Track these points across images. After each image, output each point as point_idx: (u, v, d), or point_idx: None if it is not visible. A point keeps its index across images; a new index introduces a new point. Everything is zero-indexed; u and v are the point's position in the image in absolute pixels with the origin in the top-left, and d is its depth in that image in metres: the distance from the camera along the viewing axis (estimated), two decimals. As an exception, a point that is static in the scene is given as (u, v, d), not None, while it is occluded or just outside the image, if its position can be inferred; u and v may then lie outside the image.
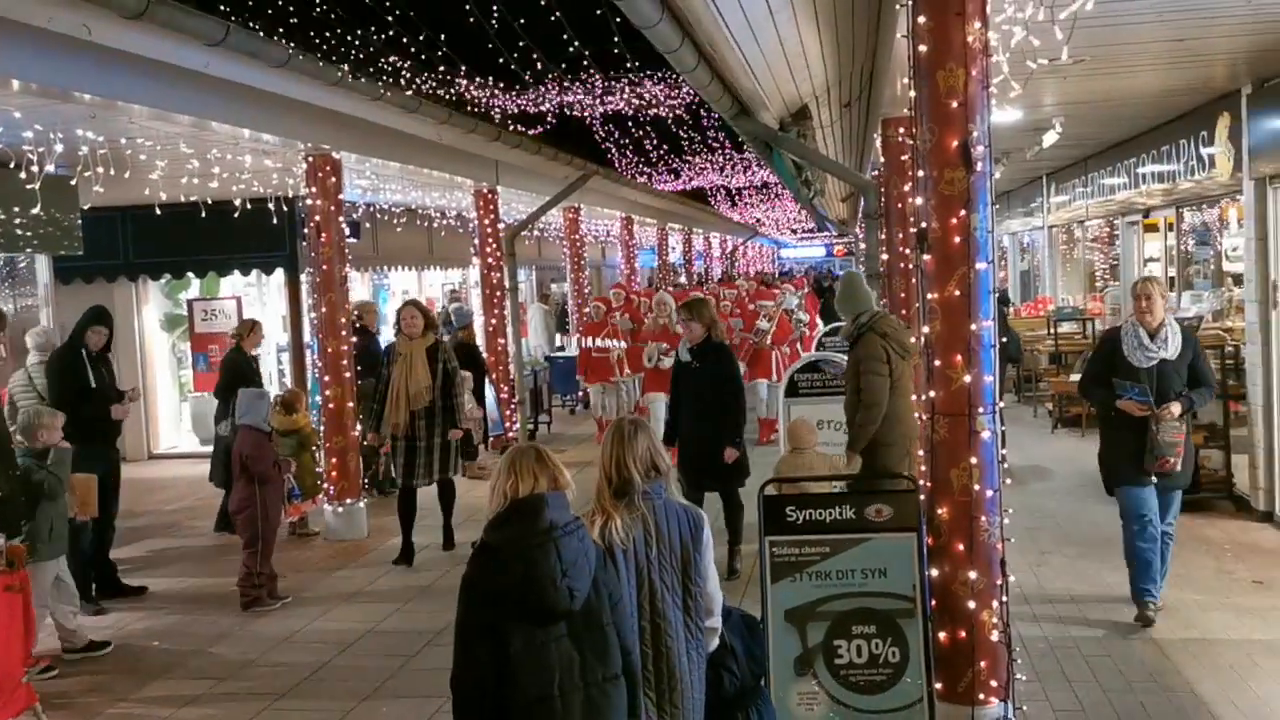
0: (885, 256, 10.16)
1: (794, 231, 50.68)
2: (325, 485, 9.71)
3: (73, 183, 10.03)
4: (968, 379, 4.62)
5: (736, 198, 29.89)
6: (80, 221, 10.64)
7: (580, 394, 16.24)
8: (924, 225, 4.74)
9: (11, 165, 8.13)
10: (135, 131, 8.02)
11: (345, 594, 7.99)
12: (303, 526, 9.83)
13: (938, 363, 4.70)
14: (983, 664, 4.65)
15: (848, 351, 7.31)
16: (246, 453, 7.64)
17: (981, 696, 4.64)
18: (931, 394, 4.74)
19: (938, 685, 4.65)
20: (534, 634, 3.03)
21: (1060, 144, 12.07)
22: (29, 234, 9.77)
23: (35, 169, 7.69)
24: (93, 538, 7.81)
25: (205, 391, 13.06)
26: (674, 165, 21.14)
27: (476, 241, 14.28)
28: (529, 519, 3.06)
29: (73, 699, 6.06)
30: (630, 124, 16.82)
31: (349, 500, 9.74)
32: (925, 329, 4.77)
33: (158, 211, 10.30)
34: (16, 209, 9.47)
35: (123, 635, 7.25)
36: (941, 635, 4.69)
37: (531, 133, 14.26)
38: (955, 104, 4.56)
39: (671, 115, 15.71)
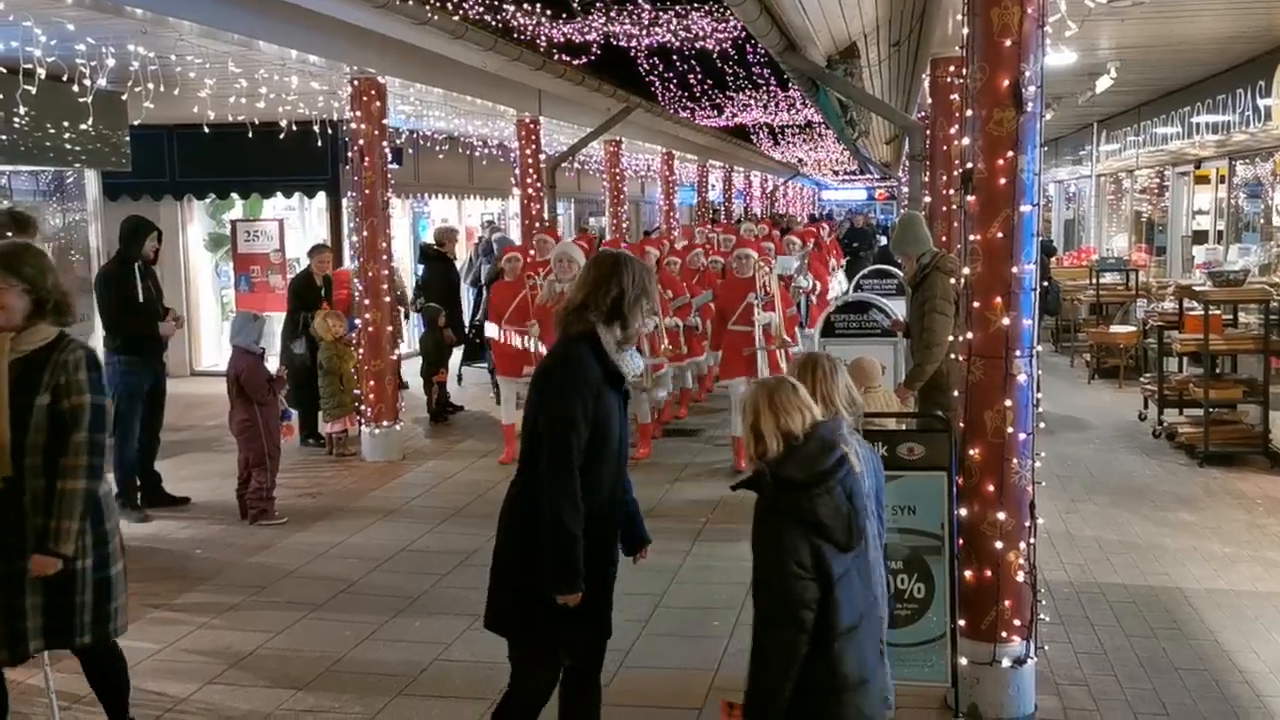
0: (928, 199, 10.09)
1: (835, 173, 50.12)
2: (362, 407, 9.88)
3: (123, 98, 10.11)
4: (1006, 321, 4.62)
5: (779, 136, 29.57)
6: (128, 138, 10.75)
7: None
8: (969, 166, 4.71)
9: (64, 79, 8.21)
10: (185, 49, 8.06)
11: (381, 512, 8.17)
12: (342, 445, 10.02)
13: (976, 304, 4.69)
14: (1007, 603, 4.70)
15: (913, 293, 7.22)
16: (241, 374, 7.77)
17: (1004, 635, 4.70)
18: (969, 335, 4.75)
19: (961, 622, 4.72)
20: (844, 561, 3.13)
21: (1114, 90, 11.86)
22: (78, 149, 9.88)
23: (87, 83, 7.77)
24: (139, 448, 8.02)
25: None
26: (718, 101, 20.92)
27: (517, 172, 14.27)
28: (828, 450, 3.15)
29: (118, 601, 6.26)
30: (675, 57, 16.64)
31: (385, 423, 9.90)
32: (966, 270, 4.76)
33: (205, 130, 10.37)
34: (66, 124, 9.57)
35: (166, 543, 7.47)
36: (967, 574, 4.74)
37: (576, 63, 14.15)
38: (1008, 42, 4.50)
39: (718, 49, 15.52)
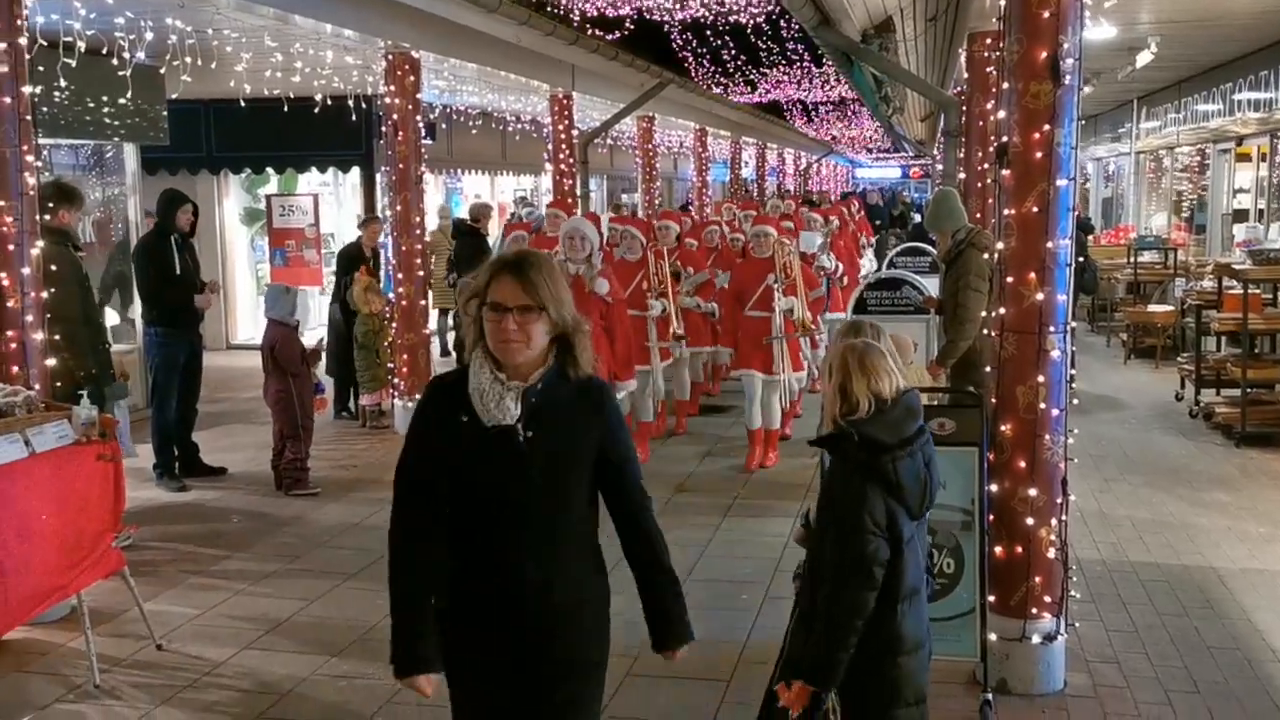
0: (963, 175, 10.01)
1: (869, 150, 49.72)
2: (395, 380, 9.96)
3: (161, 72, 10.20)
4: (1040, 296, 4.59)
5: (813, 113, 29.33)
6: (166, 113, 10.84)
7: None
8: (1005, 139, 4.67)
9: (104, 52, 8.29)
10: (221, 22, 8.13)
11: (414, 485, 8.23)
12: (377, 419, 10.11)
13: (1010, 279, 4.66)
14: (1037, 579, 4.70)
15: (947, 270, 7.16)
16: (275, 346, 7.85)
17: (1034, 611, 4.70)
18: (1002, 311, 4.72)
19: (991, 598, 4.72)
20: (910, 527, 3.21)
21: (1154, 65, 11.69)
22: (117, 123, 9.98)
23: (126, 56, 7.84)
24: (176, 418, 8.14)
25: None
26: (751, 77, 20.77)
27: (550, 147, 14.27)
28: (915, 416, 3.24)
29: (157, 568, 6.38)
30: (709, 33, 16.53)
31: (418, 396, 9.95)
32: (1000, 245, 4.73)
33: (241, 105, 10.45)
34: (105, 98, 9.66)
35: (203, 511, 7.58)
36: (998, 550, 4.74)
37: (609, 38, 14.10)
38: (1046, 14, 4.46)
39: (751, 24, 15.40)
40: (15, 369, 5.57)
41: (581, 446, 2.85)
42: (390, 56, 9.71)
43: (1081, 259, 10.18)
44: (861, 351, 3.26)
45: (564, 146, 14.07)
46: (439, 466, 2.83)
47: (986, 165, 8.95)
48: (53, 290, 5.99)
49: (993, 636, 4.68)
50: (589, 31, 13.13)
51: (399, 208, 9.88)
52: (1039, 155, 4.54)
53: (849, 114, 30.02)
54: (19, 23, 5.52)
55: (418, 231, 9.96)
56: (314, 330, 11.36)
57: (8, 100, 5.46)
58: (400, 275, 9.95)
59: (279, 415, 8.01)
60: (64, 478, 4.84)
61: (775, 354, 8.25)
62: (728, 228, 11.21)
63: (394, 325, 9.97)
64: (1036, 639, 4.68)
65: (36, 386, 5.52)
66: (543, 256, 2.85)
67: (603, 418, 2.87)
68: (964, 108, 10.26)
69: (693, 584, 6.03)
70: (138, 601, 5.32)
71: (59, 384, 5.99)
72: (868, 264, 14.37)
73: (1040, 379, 4.64)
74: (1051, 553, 4.71)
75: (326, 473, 8.45)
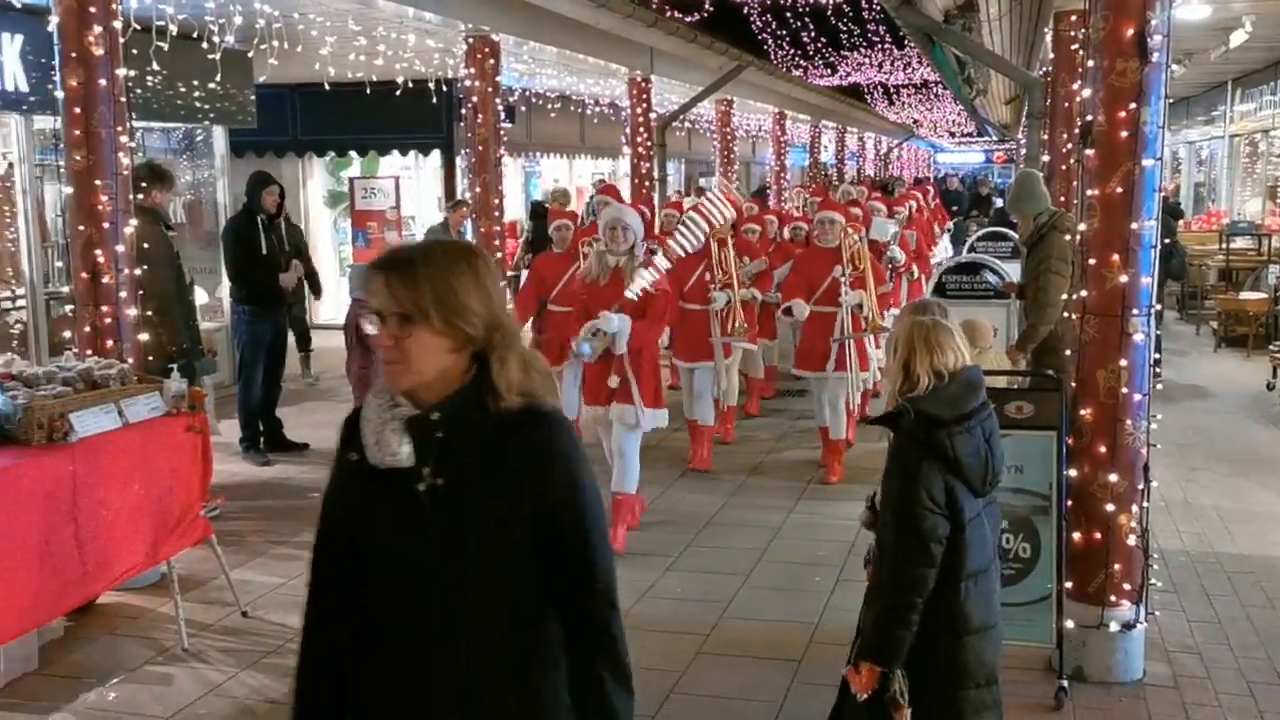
0: (1047, 158, 9.81)
1: (952, 135, 48.91)
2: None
3: (249, 56, 10.44)
4: (1123, 279, 4.49)
5: (894, 96, 28.94)
6: (254, 96, 11.09)
7: None
8: (1089, 118, 4.58)
9: (194, 36, 8.51)
10: (307, 6, 8.29)
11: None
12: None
13: (1092, 261, 4.57)
14: (1117, 567, 4.62)
15: (1028, 253, 7.01)
16: (359, 324, 7.97)
17: (1113, 599, 4.62)
18: (1084, 293, 4.64)
19: (1068, 584, 4.65)
20: (975, 505, 3.17)
21: (1249, 45, 11.32)
22: (207, 106, 10.24)
23: (216, 40, 8.04)
24: (261, 395, 8.35)
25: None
26: (831, 60, 20.57)
27: (628, 131, 14.31)
28: (975, 391, 3.21)
29: (242, 538, 6.57)
30: (788, 14, 16.41)
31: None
32: (1082, 226, 4.64)
33: (325, 88, 10.64)
34: (196, 82, 9.92)
35: (286, 485, 7.78)
36: (1076, 536, 4.67)
37: (687, 20, 14.08)
38: (1134, -11, 4.36)
39: (831, 4, 15.25)
40: (110, 343, 5.77)
41: (508, 506, 2.00)
42: (470, 39, 9.82)
43: (1167, 240, 9.82)
44: (929, 327, 3.22)
45: (642, 130, 14.10)
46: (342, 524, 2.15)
47: (1070, 146, 8.76)
48: (145, 267, 6.19)
49: (1069, 623, 4.62)
50: (667, 13, 13.13)
51: (478, 190, 10.00)
52: (1124, 134, 4.44)
53: (931, 97, 29.56)
54: (114, 6, 5.69)
55: (496, 214, 10.08)
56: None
57: (103, 82, 5.64)
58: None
59: (361, 391, 8.17)
60: (154, 447, 5.00)
61: (844, 354, 7.60)
62: (797, 215, 10.69)
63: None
64: (1114, 627, 4.60)
65: (130, 360, 5.71)
66: (434, 249, 2.06)
67: (543, 465, 2.02)
68: (1049, 89, 10.05)
69: (765, 565, 6.05)
70: (224, 569, 5.49)
71: (151, 358, 6.20)
72: (942, 253, 14.07)
73: (1123, 362, 4.55)
74: (1132, 540, 4.63)
75: (405, 450, 8.59)
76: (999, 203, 20.69)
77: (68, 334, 6.46)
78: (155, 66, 8.06)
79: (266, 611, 5.49)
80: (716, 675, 4.78)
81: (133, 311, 5.91)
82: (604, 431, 6.40)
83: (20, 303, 8.69)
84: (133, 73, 6.73)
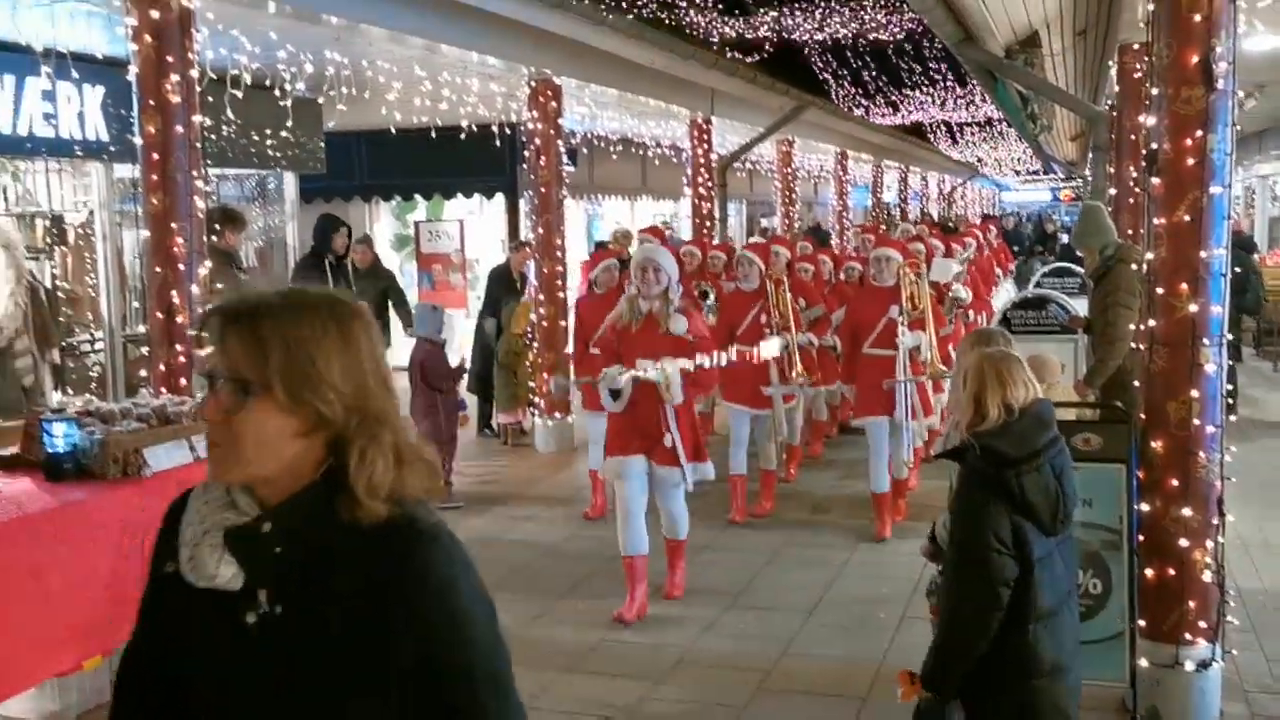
0: (1113, 191, 9.68)
1: (1017, 173, 48.45)
2: (536, 399, 10.17)
3: (319, 102, 10.71)
4: (1193, 308, 4.41)
5: (957, 134, 28.81)
6: (323, 143, 11.37)
7: None
8: (1154, 147, 4.53)
9: (267, 84, 8.77)
10: (374, 53, 8.50)
11: (552, 500, 8.40)
12: (518, 436, 10.34)
13: (1160, 290, 4.50)
14: (1191, 604, 4.49)
15: (1095, 286, 6.90)
16: (425, 362, 8.08)
17: (1188, 636, 4.49)
18: (1151, 322, 4.56)
19: (1141, 622, 4.54)
20: (1047, 545, 3.08)
21: (1322, 75, 11.11)
22: (278, 153, 10.52)
23: (287, 87, 8.28)
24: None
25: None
26: (893, 98, 20.57)
27: (689, 172, 14.40)
28: (1046, 427, 3.14)
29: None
30: (849, 54, 16.47)
31: (558, 415, 10.16)
32: (1149, 255, 4.58)
33: (391, 132, 10.87)
34: (268, 129, 10.21)
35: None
36: (1149, 572, 4.55)
37: (748, 60, 14.19)
38: (1197, 17, 4.31)
39: (892, 43, 15.29)
40: (184, 380, 5.92)
41: (364, 652, 1.55)
42: (533, 83, 9.99)
43: (1239, 271, 9.51)
44: (999, 360, 3.17)
45: (703, 171, 14.18)
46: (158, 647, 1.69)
47: (1136, 177, 8.63)
48: (217, 307, 6.33)
49: (1143, 662, 4.50)
50: (728, 55, 13.23)
51: (540, 231, 10.12)
52: (1191, 162, 4.38)
53: (995, 134, 29.36)
54: (190, 56, 5.90)
55: (559, 254, 10.18)
56: (456, 351, 11.71)
57: (180, 129, 5.84)
58: (542, 297, 10.17)
59: (425, 429, 8.26)
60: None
61: (901, 399, 7.20)
62: (852, 256, 10.34)
63: (535, 345, 10.20)
64: (1190, 666, 4.47)
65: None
66: (294, 298, 1.60)
67: (414, 599, 1.57)
68: (1114, 122, 9.94)
69: (828, 603, 5.98)
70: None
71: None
72: (1005, 296, 13.76)
73: (1194, 394, 4.45)
74: (1207, 576, 4.50)
75: (468, 487, 8.67)
76: (1064, 239, 20.42)
77: (144, 373, 6.64)
78: (229, 115, 8.32)
79: (332, 645, 5.54)
80: (778, 712, 4.73)
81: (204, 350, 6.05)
82: (618, 483, 6.00)
83: (99, 345, 8.94)
84: (208, 121, 6.94)
